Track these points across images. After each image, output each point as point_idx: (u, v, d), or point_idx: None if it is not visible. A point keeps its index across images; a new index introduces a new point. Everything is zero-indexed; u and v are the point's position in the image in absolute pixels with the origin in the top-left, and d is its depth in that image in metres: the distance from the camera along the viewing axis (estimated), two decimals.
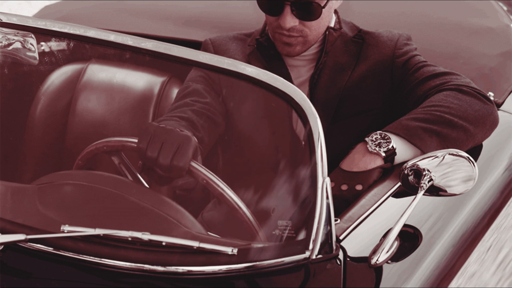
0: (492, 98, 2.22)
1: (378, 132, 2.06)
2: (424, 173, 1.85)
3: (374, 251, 1.72)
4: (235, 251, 1.66)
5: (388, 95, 2.26)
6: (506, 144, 2.29)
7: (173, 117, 2.11)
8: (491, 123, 2.15)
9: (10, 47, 2.11)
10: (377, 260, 1.71)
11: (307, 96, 2.04)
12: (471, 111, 2.10)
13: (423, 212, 1.92)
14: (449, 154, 1.85)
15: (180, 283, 1.68)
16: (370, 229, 1.83)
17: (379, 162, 2.04)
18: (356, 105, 2.26)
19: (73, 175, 1.96)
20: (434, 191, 1.87)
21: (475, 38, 2.70)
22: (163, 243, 1.68)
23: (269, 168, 2.02)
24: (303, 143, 1.72)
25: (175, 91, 2.38)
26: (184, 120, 2.11)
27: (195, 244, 1.67)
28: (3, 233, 1.70)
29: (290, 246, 1.70)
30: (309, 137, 1.68)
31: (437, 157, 1.86)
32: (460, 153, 1.85)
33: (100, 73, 2.55)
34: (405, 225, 1.77)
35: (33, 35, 2.11)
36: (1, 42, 2.10)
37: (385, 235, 1.75)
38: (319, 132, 1.67)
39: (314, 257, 1.67)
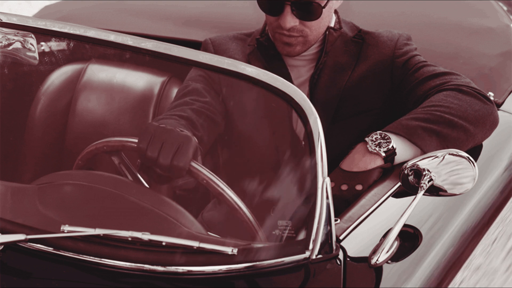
0: (492, 98, 2.22)
1: (378, 132, 2.06)
2: (424, 173, 1.85)
3: (374, 251, 1.72)
4: (235, 251, 1.66)
5: (388, 95, 2.26)
6: (506, 144, 2.29)
7: (173, 116, 2.11)
8: (491, 123, 2.15)
9: (10, 47, 2.11)
10: (377, 260, 1.71)
11: (307, 96, 2.03)
12: (471, 111, 2.10)
13: (423, 212, 1.92)
14: (449, 154, 1.85)
15: (180, 283, 1.68)
16: (370, 229, 1.83)
17: (379, 162, 2.04)
18: (356, 105, 2.26)
19: (73, 175, 1.96)
20: (434, 191, 1.87)
21: (475, 38, 2.70)
22: (163, 243, 1.68)
23: (269, 168, 2.02)
24: (303, 143, 1.72)
25: (175, 91, 2.38)
26: (183, 119, 2.11)
27: (195, 244, 1.67)
28: (3, 233, 1.70)
29: (290, 246, 1.70)
30: (309, 137, 1.68)
31: (437, 157, 1.86)
32: (460, 153, 1.85)
33: (100, 73, 2.55)
34: (405, 225, 1.77)
35: (33, 35, 2.10)
36: (1, 42, 2.10)
37: (385, 235, 1.75)
38: (319, 132, 1.67)
39: (314, 257, 1.67)
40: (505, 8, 2.91)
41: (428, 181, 1.85)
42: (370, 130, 2.09)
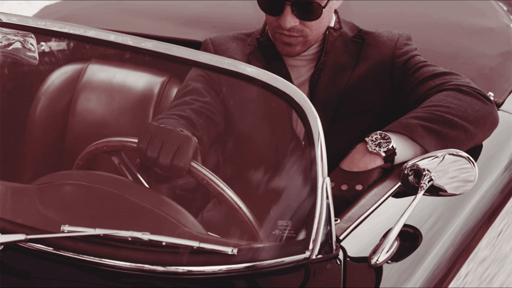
0: (492, 98, 2.22)
1: (378, 132, 2.06)
2: (424, 173, 1.85)
3: (374, 251, 1.72)
4: (235, 251, 1.66)
5: (388, 95, 2.26)
6: (506, 144, 2.29)
7: (172, 115, 2.11)
8: (491, 123, 2.15)
9: (10, 47, 2.11)
10: (377, 260, 1.71)
11: (307, 96, 2.03)
12: (471, 111, 2.10)
13: (423, 212, 1.92)
14: (449, 154, 1.85)
15: (180, 283, 1.68)
16: (370, 229, 1.83)
17: (379, 162, 2.04)
18: (356, 105, 2.26)
19: (73, 175, 1.96)
20: (434, 191, 1.87)
21: (475, 38, 2.70)
22: (163, 243, 1.68)
23: (269, 168, 2.02)
24: (303, 143, 1.72)
25: (175, 91, 2.38)
26: (183, 118, 2.11)
27: (195, 244, 1.67)
28: (3, 233, 1.70)
29: (290, 246, 1.70)
30: (309, 137, 1.68)
31: (437, 157, 1.86)
32: (460, 153, 1.85)
33: (100, 73, 2.55)
34: (405, 225, 1.77)
35: (33, 35, 2.10)
36: (1, 42, 2.10)
37: (385, 235, 1.75)
38: (319, 132, 1.67)
39: (314, 257, 1.67)
40: (505, 8, 2.91)
41: (428, 181, 1.85)
42: (370, 130, 2.09)
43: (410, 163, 1.87)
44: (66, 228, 1.70)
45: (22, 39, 2.10)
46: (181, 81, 2.38)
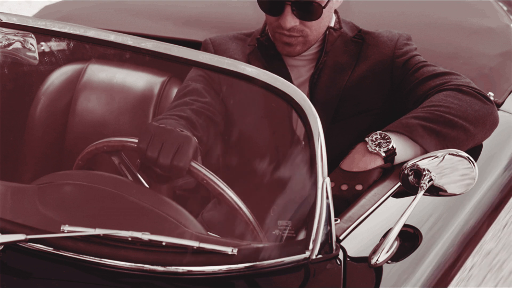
0: (492, 98, 2.22)
1: (378, 132, 2.06)
2: (424, 173, 1.85)
3: (374, 251, 1.72)
4: (235, 251, 1.66)
5: (388, 95, 2.26)
6: (506, 144, 2.29)
7: (172, 116, 2.11)
8: (491, 123, 2.15)
9: (10, 47, 2.11)
10: (377, 260, 1.70)
11: (307, 96, 2.03)
12: (471, 111, 2.10)
13: (423, 212, 1.92)
14: (449, 154, 1.85)
15: (180, 283, 1.68)
16: (370, 229, 1.83)
17: (379, 162, 2.04)
18: (356, 105, 2.26)
19: (73, 175, 1.96)
20: (434, 191, 1.87)
21: (475, 38, 2.70)
22: (163, 243, 1.68)
23: (269, 168, 2.02)
24: (303, 143, 1.72)
25: (175, 91, 2.38)
26: (183, 119, 2.11)
27: (195, 244, 1.67)
28: (3, 233, 1.70)
29: (290, 246, 1.70)
30: (309, 137, 1.68)
31: (437, 157, 1.86)
32: (460, 153, 1.85)
33: (100, 73, 2.55)
34: (405, 225, 1.77)
35: (33, 35, 2.10)
36: (1, 42, 2.10)
37: (385, 235, 1.75)
38: (319, 132, 1.67)
39: (314, 257, 1.67)
40: (505, 8, 2.91)
41: (428, 181, 1.85)
42: (370, 130, 2.09)
43: (410, 163, 1.87)
44: (66, 228, 1.70)
45: (22, 39, 2.10)
46: (181, 81, 2.38)
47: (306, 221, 1.68)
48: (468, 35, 2.71)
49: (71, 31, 1.84)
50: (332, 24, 2.29)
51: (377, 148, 2.04)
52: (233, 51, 2.32)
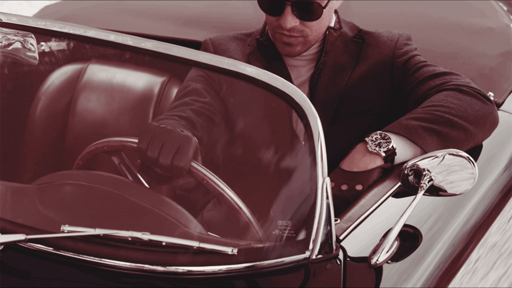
0: (492, 98, 2.22)
1: (378, 132, 2.06)
2: (424, 173, 1.85)
3: (374, 251, 1.72)
4: (235, 251, 1.66)
5: (388, 95, 2.26)
6: (506, 144, 2.29)
7: (173, 116, 2.11)
8: (491, 123, 2.15)
9: (10, 47, 2.11)
10: (377, 260, 1.70)
11: (307, 96, 2.03)
12: (471, 111, 2.10)
13: (423, 212, 1.92)
14: (449, 154, 1.85)
15: (180, 283, 1.68)
16: (370, 229, 1.83)
17: (379, 162, 2.04)
18: (356, 105, 2.26)
19: (73, 175, 1.96)
20: (434, 191, 1.87)
21: (475, 38, 2.70)
22: (163, 243, 1.68)
23: (269, 168, 2.02)
24: (303, 143, 1.72)
25: (175, 91, 2.38)
26: (183, 119, 2.11)
27: (195, 244, 1.67)
28: (3, 233, 1.70)
29: (290, 246, 1.70)
30: (309, 137, 1.68)
31: (437, 157, 1.86)
32: (460, 153, 1.85)
33: (100, 73, 2.55)
34: (405, 225, 1.77)
35: (33, 35, 2.10)
36: (1, 42, 2.10)
37: (385, 235, 1.75)
38: (319, 132, 1.67)
39: (314, 257, 1.67)
40: (505, 8, 2.91)
41: (428, 181, 1.85)
42: (370, 130, 2.09)
43: (410, 163, 1.87)
44: (66, 228, 1.70)
45: (22, 39, 2.10)
46: (181, 81, 2.38)
47: (306, 221, 1.68)
48: (468, 35, 2.71)
49: (71, 31, 1.84)
50: (332, 24, 2.29)
51: (377, 148, 2.04)
52: (233, 51, 2.32)
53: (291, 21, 2.17)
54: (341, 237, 1.75)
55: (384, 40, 2.29)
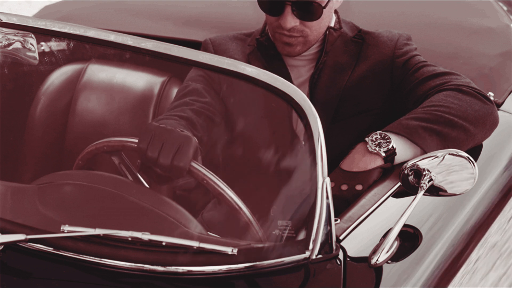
0: (492, 98, 2.22)
1: (378, 132, 2.06)
2: (424, 173, 1.85)
3: (374, 251, 1.72)
4: (235, 251, 1.66)
5: (388, 95, 2.26)
6: (506, 144, 2.29)
7: (173, 116, 2.11)
8: (491, 123, 2.15)
9: (10, 47, 2.11)
10: (377, 260, 1.70)
11: (307, 96, 2.03)
12: (471, 111, 2.10)
13: (423, 212, 1.92)
14: (449, 154, 1.85)
15: (180, 283, 1.68)
16: (370, 229, 1.83)
17: (379, 162, 2.04)
18: (356, 105, 2.26)
19: (73, 175, 1.95)
20: (434, 191, 1.87)
21: (475, 38, 2.70)
22: (163, 243, 1.68)
23: (269, 168, 2.02)
24: (303, 143, 1.72)
25: (175, 91, 2.38)
26: (183, 119, 2.11)
27: (195, 244, 1.67)
28: (3, 233, 1.70)
29: (290, 246, 1.70)
30: (309, 137, 1.68)
31: (437, 157, 1.86)
32: (460, 153, 1.85)
33: (100, 73, 2.55)
34: (405, 225, 1.77)
35: (33, 35, 2.10)
36: (1, 42, 2.10)
37: (385, 235, 1.75)
38: (319, 132, 1.67)
39: (314, 257, 1.67)
40: (505, 8, 2.91)
41: (428, 181, 1.85)
42: (370, 130, 2.09)
43: (410, 163, 1.87)
44: (66, 228, 1.70)
45: (22, 39, 2.10)
46: (181, 81, 2.38)
47: (306, 221, 1.68)
48: (468, 35, 2.71)
49: (71, 31, 1.84)
50: (332, 24, 2.29)
51: (377, 148, 2.04)
52: (233, 51, 2.32)
53: (291, 21, 2.17)
54: (341, 237, 1.75)
55: (384, 40, 2.29)
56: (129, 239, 1.69)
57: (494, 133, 2.18)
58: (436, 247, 1.87)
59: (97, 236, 1.70)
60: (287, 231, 1.73)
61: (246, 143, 2.20)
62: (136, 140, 1.86)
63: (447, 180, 1.86)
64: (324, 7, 2.18)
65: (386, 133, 2.05)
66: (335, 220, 1.74)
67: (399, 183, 1.91)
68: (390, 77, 2.26)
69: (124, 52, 1.99)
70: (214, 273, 1.66)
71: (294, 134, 2.09)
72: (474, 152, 2.12)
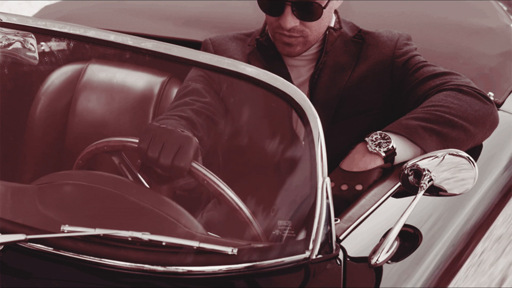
0: (492, 98, 2.22)
1: (378, 132, 2.06)
2: (424, 173, 1.85)
3: (374, 251, 1.72)
4: (235, 251, 1.66)
5: (388, 95, 2.26)
6: (506, 144, 2.29)
7: (173, 116, 2.11)
8: (491, 123, 2.15)
9: (10, 47, 2.11)
10: (377, 260, 1.70)
11: (307, 96, 2.03)
12: (471, 111, 2.10)
13: (423, 212, 1.92)
14: (449, 154, 1.85)
15: (180, 283, 1.68)
16: (370, 229, 1.83)
17: (379, 162, 2.04)
18: (356, 105, 2.26)
19: (73, 175, 1.95)
20: (434, 191, 1.87)
21: (475, 38, 2.70)
22: (163, 243, 1.68)
23: (269, 168, 2.02)
24: (303, 143, 1.72)
25: (175, 91, 2.38)
26: (183, 119, 2.11)
27: (195, 244, 1.67)
28: (3, 233, 1.70)
29: (290, 246, 1.70)
30: (309, 137, 1.68)
31: (437, 157, 1.86)
32: (460, 153, 1.85)
33: (100, 73, 2.55)
34: (405, 225, 1.77)
35: (33, 35, 2.10)
36: (1, 42, 2.10)
37: (385, 235, 1.75)
38: (319, 132, 1.67)
39: (314, 257, 1.67)
40: (505, 8, 2.91)
41: (428, 181, 1.85)
42: (370, 130, 2.09)
43: (410, 163, 1.87)
44: (66, 228, 1.70)
45: (22, 39, 2.10)
46: (181, 81, 2.38)
47: (306, 221, 1.68)
48: (468, 35, 2.71)
49: (71, 31, 1.84)
50: (332, 24, 2.29)
51: (377, 148, 2.04)
52: (233, 51, 2.33)
53: (291, 21, 2.17)
54: (341, 237, 1.75)
55: (384, 40, 2.29)
56: (129, 239, 1.69)
57: (494, 133, 2.18)
58: (436, 247, 1.87)
59: (97, 236, 1.70)
60: (287, 231, 1.73)
61: (246, 143, 2.20)
62: (137, 140, 1.86)
63: (447, 180, 1.86)
64: (324, 7, 2.18)
65: (386, 133, 2.05)
66: (335, 220, 1.74)
67: (399, 183, 1.91)
68: (390, 77, 2.26)
69: (124, 52, 1.99)
70: (214, 273, 1.66)
71: (294, 134, 2.09)
72: (474, 152, 2.12)
